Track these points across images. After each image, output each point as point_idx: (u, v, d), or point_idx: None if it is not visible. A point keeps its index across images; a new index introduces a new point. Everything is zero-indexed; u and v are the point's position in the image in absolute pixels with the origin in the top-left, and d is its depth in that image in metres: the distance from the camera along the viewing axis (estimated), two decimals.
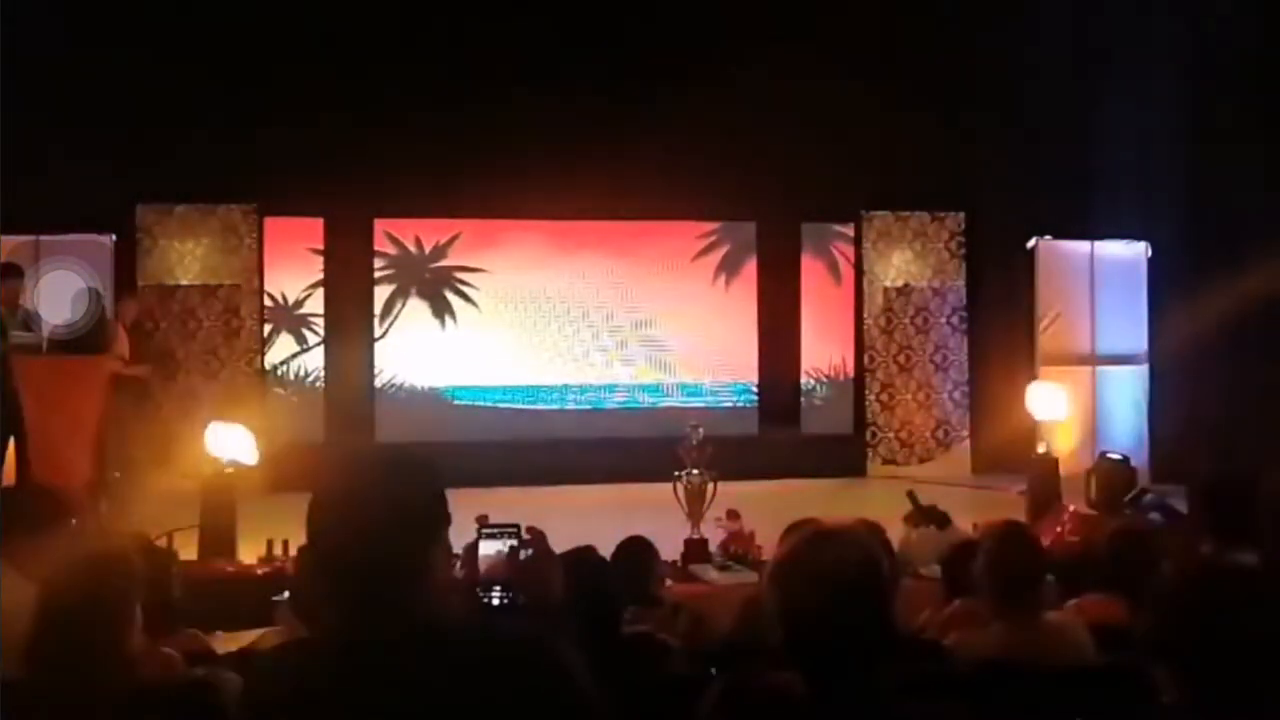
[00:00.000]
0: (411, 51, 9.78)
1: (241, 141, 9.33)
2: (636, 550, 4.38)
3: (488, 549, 4.24)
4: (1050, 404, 8.49)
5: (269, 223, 10.12)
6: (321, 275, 10.31)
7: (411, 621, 1.65)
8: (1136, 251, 10.35)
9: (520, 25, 9.81)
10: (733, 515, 7.08)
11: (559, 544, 3.69)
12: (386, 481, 1.71)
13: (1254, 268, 8.84)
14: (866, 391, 10.93)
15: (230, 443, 6.76)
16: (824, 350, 11.07)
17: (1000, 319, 10.75)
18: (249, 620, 4.26)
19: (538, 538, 4.28)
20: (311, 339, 10.33)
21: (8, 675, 2.51)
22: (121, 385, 7.74)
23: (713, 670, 3.02)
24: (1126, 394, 10.28)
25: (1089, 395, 10.19)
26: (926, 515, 6.81)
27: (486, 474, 8.51)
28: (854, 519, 3.82)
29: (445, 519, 1.75)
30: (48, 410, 6.84)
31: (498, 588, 4.17)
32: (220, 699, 2.49)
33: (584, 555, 3.41)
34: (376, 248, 10.59)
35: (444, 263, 10.66)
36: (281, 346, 10.27)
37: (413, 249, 10.63)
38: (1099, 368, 10.31)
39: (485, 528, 4.34)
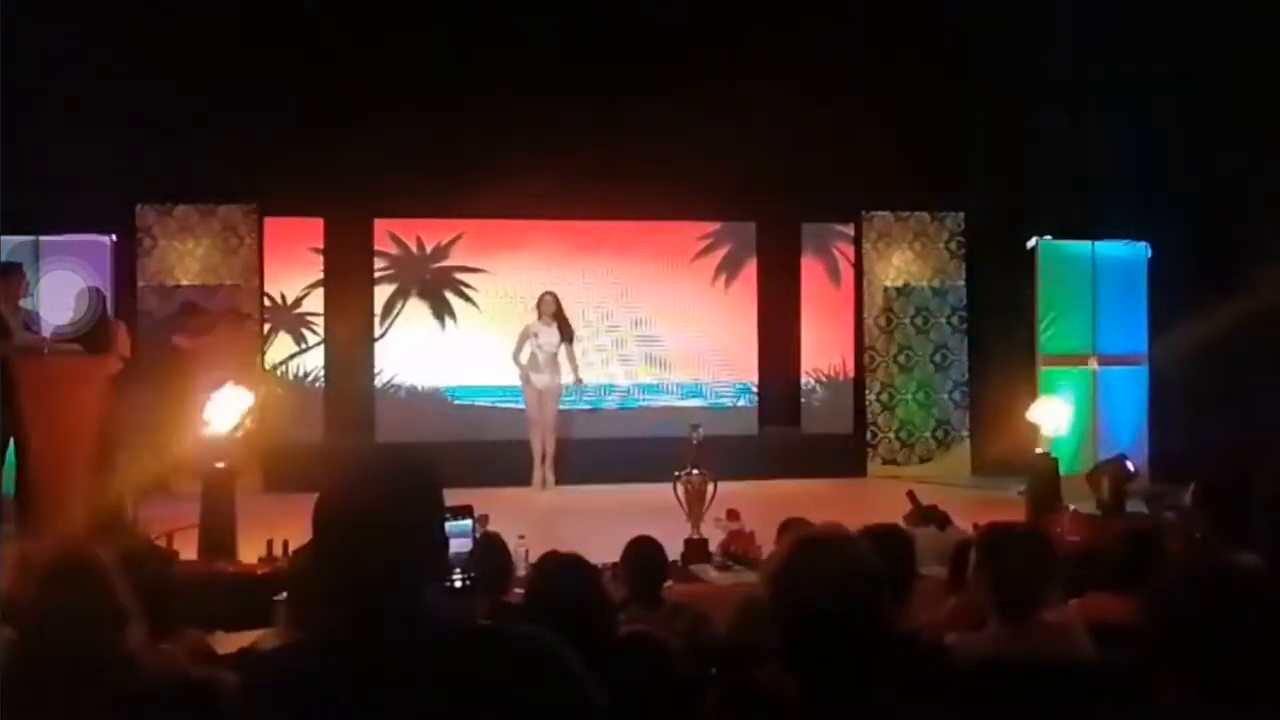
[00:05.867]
0: (412, 52, 9.78)
1: (241, 141, 9.33)
2: (648, 550, 4.37)
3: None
4: (1053, 418, 8.46)
5: (269, 223, 10.12)
6: (321, 275, 10.31)
7: (414, 622, 1.65)
8: (1136, 251, 10.35)
9: (521, 25, 9.82)
10: (733, 515, 7.07)
11: (559, 545, 3.68)
12: (391, 483, 1.71)
13: (1254, 267, 8.84)
14: (866, 391, 10.93)
15: (225, 406, 6.78)
16: (824, 350, 11.07)
17: (1000, 319, 10.75)
18: (249, 620, 4.25)
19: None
20: (311, 339, 10.33)
21: (6, 676, 2.51)
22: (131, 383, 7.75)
23: (713, 670, 3.01)
24: (1126, 394, 10.28)
25: (1089, 395, 10.19)
26: (926, 515, 6.82)
27: (486, 474, 8.51)
28: (867, 523, 3.81)
29: (444, 520, 1.76)
30: (48, 410, 6.84)
31: (458, 570, 4.22)
32: (220, 699, 2.48)
33: (557, 559, 3.39)
34: (378, 247, 10.60)
35: (445, 263, 10.67)
36: (281, 346, 10.27)
37: (414, 249, 10.63)
38: (1099, 368, 10.30)
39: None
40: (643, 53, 9.99)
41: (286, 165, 9.47)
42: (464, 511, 4.49)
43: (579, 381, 9.77)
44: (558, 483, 9.46)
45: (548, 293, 9.64)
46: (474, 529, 4.62)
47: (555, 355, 9.51)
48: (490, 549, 4.57)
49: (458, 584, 4.13)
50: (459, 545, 4.36)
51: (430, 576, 1.72)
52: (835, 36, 9.75)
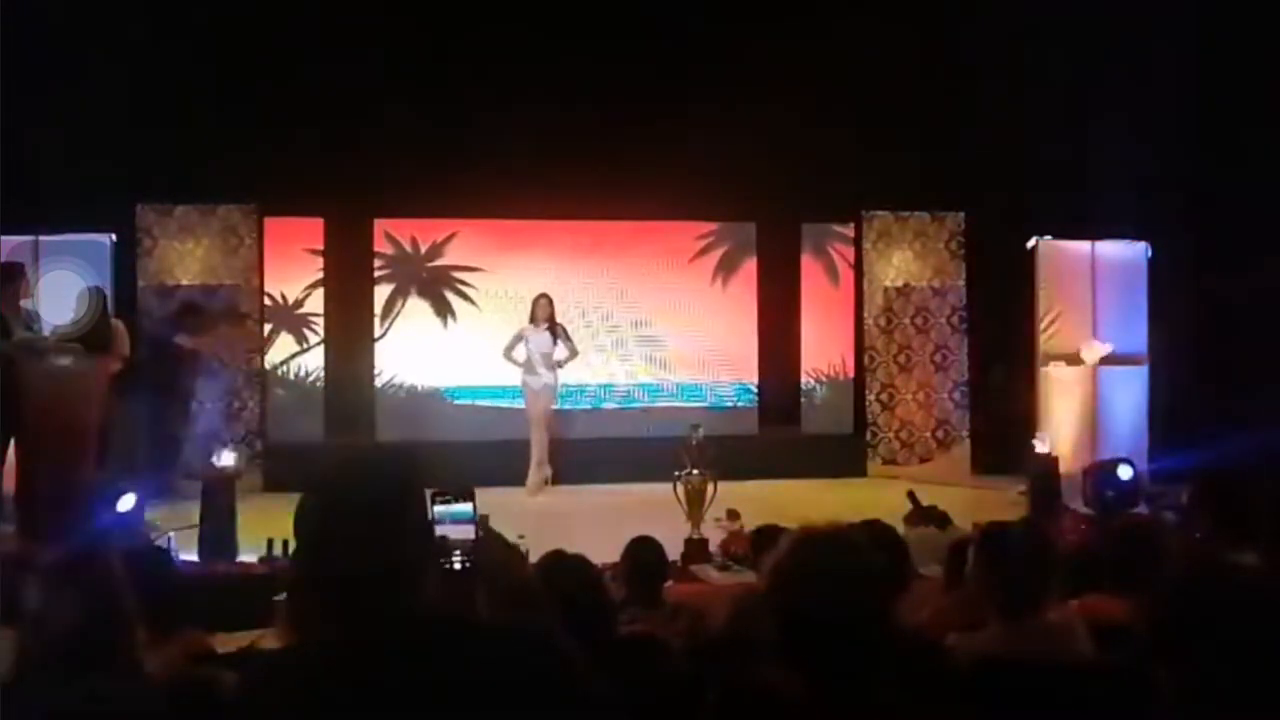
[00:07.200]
0: (411, 52, 9.78)
1: (241, 141, 9.32)
2: (648, 551, 4.38)
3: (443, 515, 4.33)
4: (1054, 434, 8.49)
5: (269, 223, 10.11)
6: (321, 275, 10.32)
7: (412, 620, 1.65)
8: (1136, 251, 10.35)
9: (519, 25, 9.82)
10: (733, 515, 7.08)
11: (559, 545, 3.68)
12: (370, 484, 1.71)
13: (1254, 267, 8.84)
14: (866, 391, 10.92)
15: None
16: (824, 350, 11.08)
17: (1000, 319, 10.75)
18: (249, 620, 4.25)
19: (482, 522, 4.35)
20: (312, 339, 10.33)
21: (6, 676, 2.51)
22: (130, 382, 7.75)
23: (713, 670, 3.01)
24: (1126, 394, 10.28)
25: (1089, 395, 10.19)
26: (926, 515, 6.83)
27: (486, 474, 8.50)
28: (862, 520, 3.82)
29: (427, 514, 1.76)
30: (48, 410, 6.83)
31: (457, 552, 4.22)
32: (220, 699, 2.48)
33: (559, 559, 3.40)
34: (375, 248, 10.60)
35: (441, 262, 10.67)
36: (281, 346, 10.27)
37: (409, 249, 10.63)
38: (1099, 368, 10.30)
39: (438, 494, 4.46)
40: (642, 53, 9.98)
41: (286, 165, 9.47)
42: (465, 496, 4.52)
43: (575, 354, 9.72)
44: (559, 483, 9.45)
45: (542, 296, 9.61)
46: (474, 514, 4.63)
47: (550, 355, 9.50)
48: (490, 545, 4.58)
49: (458, 566, 4.14)
50: (462, 530, 4.37)
51: (424, 573, 1.72)
52: (835, 37, 9.75)
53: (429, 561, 1.77)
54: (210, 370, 9.63)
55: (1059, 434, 8.85)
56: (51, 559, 2.67)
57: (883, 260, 10.97)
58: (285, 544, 5.99)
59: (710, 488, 6.97)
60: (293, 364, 10.29)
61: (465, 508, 4.55)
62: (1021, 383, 10.12)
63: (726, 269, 11.03)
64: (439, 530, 3.99)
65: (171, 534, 6.51)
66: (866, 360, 10.93)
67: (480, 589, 2.87)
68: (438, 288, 10.68)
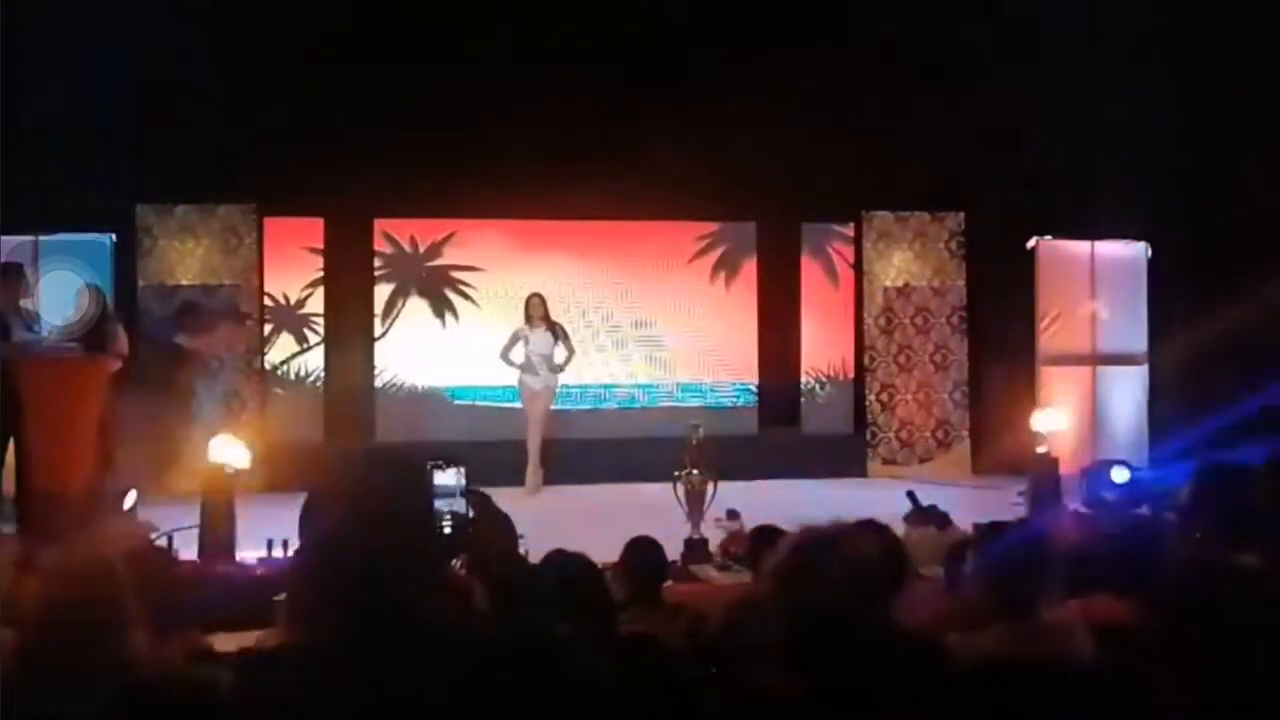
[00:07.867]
0: (411, 51, 9.77)
1: (241, 141, 9.33)
2: (648, 551, 4.37)
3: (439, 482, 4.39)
4: (1054, 423, 8.49)
5: (269, 223, 10.12)
6: (321, 275, 10.32)
7: (411, 621, 1.66)
8: (1136, 251, 10.35)
9: (519, 25, 9.82)
10: (733, 515, 7.08)
11: (559, 545, 3.68)
12: (373, 486, 1.72)
13: (1254, 267, 8.84)
14: (866, 391, 10.93)
15: (226, 451, 6.81)
16: (824, 350, 11.08)
17: (1000, 319, 10.76)
18: (249, 620, 4.25)
19: (482, 501, 4.36)
20: (312, 339, 10.33)
21: (6, 676, 2.51)
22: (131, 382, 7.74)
23: (713, 670, 3.01)
24: (1126, 394, 10.29)
25: (1089, 395, 10.19)
26: (926, 515, 6.83)
27: (486, 474, 8.49)
28: (858, 520, 3.81)
29: (430, 516, 1.77)
30: (48, 410, 6.83)
31: (449, 517, 4.25)
32: (219, 699, 2.48)
33: (561, 558, 3.41)
34: (375, 248, 10.60)
35: (440, 262, 10.66)
36: (281, 346, 10.28)
37: (408, 248, 10.63)
38: (1099, 368, 10.31)
39: (432, 461, 4.51)
40: (642, 52, 9.99)
41: (286, 165, 9.47)
42: (453, 463, 4.60)
43: (572, 353, 9.70)
44: (556, 482, 9.44)
45: (535, 295, 9.60)
46: (464, 483, 4.70)
47: (550, 357, 9.49)
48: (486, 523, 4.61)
49: (448, 530, 4.19)
50: (447, 501, 4.46)
51: (424, 573, 1.73)
52: (835, 36, 9.75)
53: (430, 562, 1.78)
54: (210, 370, 9.64)
55: (1059, 434, 8.83)
56: (51, 559, 2.67)
57: (883, 260, 10.97)
58: (285, 544, 5.98)
59: (710, 488, 6.96)
60: (293, 364, 10.29)
61: (451, 476, 4.61)
62: (1022, 383, 10.13)
63: (726, 269, 11.03)
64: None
65: (172, 534, 6.51)
66: (866, 360, 10.94)
67: (476, 582, 2.88)
68: (438, 287, 10.67)
